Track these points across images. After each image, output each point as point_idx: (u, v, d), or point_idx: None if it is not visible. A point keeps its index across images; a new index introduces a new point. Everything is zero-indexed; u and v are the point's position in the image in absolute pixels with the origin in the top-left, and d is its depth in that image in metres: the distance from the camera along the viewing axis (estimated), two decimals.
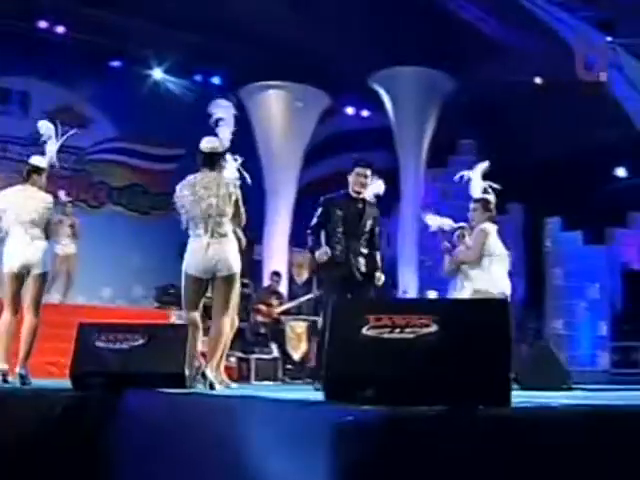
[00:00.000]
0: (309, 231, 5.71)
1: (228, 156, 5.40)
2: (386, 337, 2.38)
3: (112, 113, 13.76)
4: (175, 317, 10.66)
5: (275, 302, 10.42)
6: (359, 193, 5.66)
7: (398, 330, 2.38)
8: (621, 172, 13.96)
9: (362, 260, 5.56)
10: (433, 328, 2.38)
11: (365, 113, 16.01)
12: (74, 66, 12.81)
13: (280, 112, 12.44)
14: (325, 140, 14.65)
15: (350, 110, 15.18)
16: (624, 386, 7.36)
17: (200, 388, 4.23)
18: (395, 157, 15.43)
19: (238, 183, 5.38)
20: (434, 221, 7.62)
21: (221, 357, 4.99)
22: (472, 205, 6.45)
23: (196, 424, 2.98)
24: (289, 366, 10.04)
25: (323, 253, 5.43)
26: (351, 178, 5.67)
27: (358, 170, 5.66)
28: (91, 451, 3.54)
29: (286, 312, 10.45)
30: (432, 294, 12.49)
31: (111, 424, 3.55)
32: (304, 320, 10.38)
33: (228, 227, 4.94)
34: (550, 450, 2.27)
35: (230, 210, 4.95)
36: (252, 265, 12.38)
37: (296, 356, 10.12)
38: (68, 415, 3.57)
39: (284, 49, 14.45)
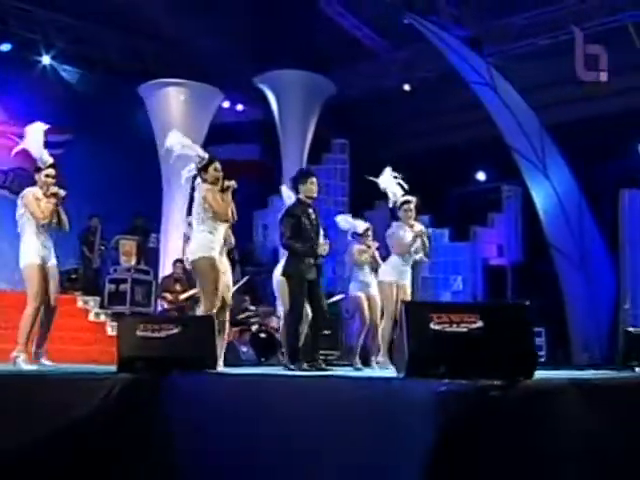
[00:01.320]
0: (291, 241, 6.16)
1: None
2: (447, 330, 3.29)
3: (0, 97, 13.71)
4: (81, 302, 11.06)
5: (179, 289, 11.02)
6: (312, 199, 6.35)
7: (455, 325, 3.30)
8: (481, 176, 15.50)
9: (320, 258, 6.33)
10: (479, 324, 3.32)
11: (240, 107, 16.69)
12: None
13: (178, 108, 12.97)
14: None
15: (226, 104, 15.76)
16: None
17: None
18: (269, 150, 16.37)
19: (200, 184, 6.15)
20: (346, 223, 8.52)
21: None
22: (407, 206, 7.43)
23: (272, 405, 3.71)
24: None
25: (326, 246, 6.18)
26: (305, 186, 6.28)
27: (312, 179, 6.34)
28: (145, 427, 4.20)
29: (190, 298, 11.03)
30: None
31: (162, 402, 4.24)
32: None
33: (193, 228, 5.81)
34: (557, 406, 3.29)
35: (197, 212, 5.83)
36: (148, 252, 12.90)
37: None
38: (124, 394, 4.21)
39: (171, 45, 15.01)
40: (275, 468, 3.67)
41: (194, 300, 11.15)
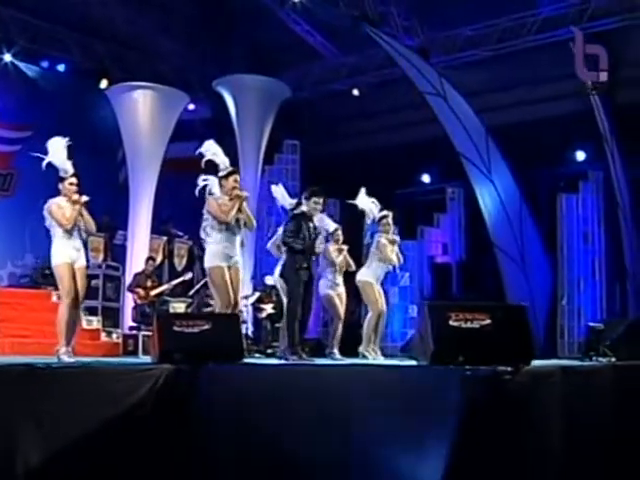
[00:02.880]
0: (290, 239, 6.98)
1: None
2: (463, 326, 4.06)
3: None
4: (55, 297, 11.43)
5: (150, 285, 11.54)
6: (314, 214, 7.17)
7: (469, 322, 4.06)
8: (426, 177, 16.37)
9: (311, 263, 7.07)
10: (488, 321, 4.09)
11: (191, 106, 17.14)
12: None
13: (146, 111, 13.43)
14: None
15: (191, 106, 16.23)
16: None
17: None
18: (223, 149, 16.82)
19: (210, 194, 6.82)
20: (279, 194, 8.53)
21: None
22: (385, 220, 8.23)
23: (303, 392, 4.39)
24: None
25: (320, 243, 6.88)
26: (310, 202, 7.12)
27: (315, 199, 7.13)
28: (185, 411, 4.82)
29: (160, 294, 11.58)
30: (269, 279, 13.85)
31: (199, 389, 4.87)
32: (183, 301, 11.62)
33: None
34: (548, 386, 4.08)
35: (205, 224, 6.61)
36: (115, 249, 13.35)
37: None
38: (168, 382, 4.82)
39: (130, 46, 15.43)
40: (305, 451, 4.32)
41: (164, 296, 11.77)
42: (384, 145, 16.35)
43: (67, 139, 6.56)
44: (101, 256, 12.57)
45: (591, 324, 7.02)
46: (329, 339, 8.83)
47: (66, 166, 6.46)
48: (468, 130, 13.52)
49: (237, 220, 6.57)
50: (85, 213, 6.51)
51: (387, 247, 8.29)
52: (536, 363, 4.62)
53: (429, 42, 14.85)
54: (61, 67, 15.29)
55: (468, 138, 13.43)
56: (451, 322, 4.04)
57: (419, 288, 14.96)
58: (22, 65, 14.71)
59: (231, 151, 15.78)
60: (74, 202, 6.41)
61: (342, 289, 8.70)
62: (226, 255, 6.50)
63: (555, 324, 13.24)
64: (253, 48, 16.62)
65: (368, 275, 8.35)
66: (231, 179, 6.57)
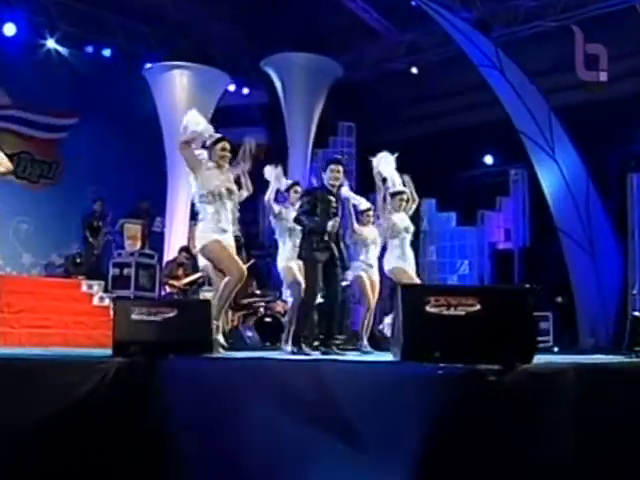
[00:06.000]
0: (304, 216, 6.19)
1: None
2: (445, 313, 3.23)
3: (4, 81, 13.63)
4: (85, 287, 11.03)
5: (181, 273, 11.04)
6: (333, 187, 6.30)
7: (452, 308, 3.23)
8: (489, 159, 15.37)
9: (340, 244, 6.25)
10: (477, 307, 3.25)
11: (246, 91, 16.54)
12: None
13: (183, 91, 12.89)
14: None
15: (232, 87, 15.57)
16: None
17: None
18: (276, 134, 16.24)
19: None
20: (272, 176, 7.47)
21: None
22: (401, 196, 7.39)
23: (268, 387, 3.66)
24: None
25: (335, 223, 6.08)
26: (326, 174, 6.28)
27: (332, 167, 6.29)
28: (139, 409, 4.16)
29: (192, 283, 11.04)
30: None
31: (157, 386, 4.19)
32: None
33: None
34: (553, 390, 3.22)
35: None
36: (153, 236, 12.89)
37: None
38: (119, 378, 4.16)
39: (176, 29, 14.94)
40: (270, 451, 3.63)
41: (197, 285, 11.23)
42: (444, 126, 15.52)
43: None
44: (138, 244, 12.06)
45: (636, 314, 5.99)
46: (360, 330, 8.04)
47: None
48: (528, 106, 12.49)
49: (228, 190, 5.88)
50: None
51: (398, 220, 7.43)
52: (579, 358, 3.79)
53: (489, 14, 13.86)
54: (107, 52, 14.90)
55: (529, 115, 12.39)
56: (429, 308, 3.21)
57: (479, 276, 13.98)
58: (66, 51, 14.38)
59: (281, 134, 15.40)
60: None
61: (376, 275, 7.87)
62: (220, 229, 5.81)
63: (626, 314, 12.08)
64: (306, 30, 15.88)
65: (391, 261, 7.48)
66: (218, 147, 5.91)
